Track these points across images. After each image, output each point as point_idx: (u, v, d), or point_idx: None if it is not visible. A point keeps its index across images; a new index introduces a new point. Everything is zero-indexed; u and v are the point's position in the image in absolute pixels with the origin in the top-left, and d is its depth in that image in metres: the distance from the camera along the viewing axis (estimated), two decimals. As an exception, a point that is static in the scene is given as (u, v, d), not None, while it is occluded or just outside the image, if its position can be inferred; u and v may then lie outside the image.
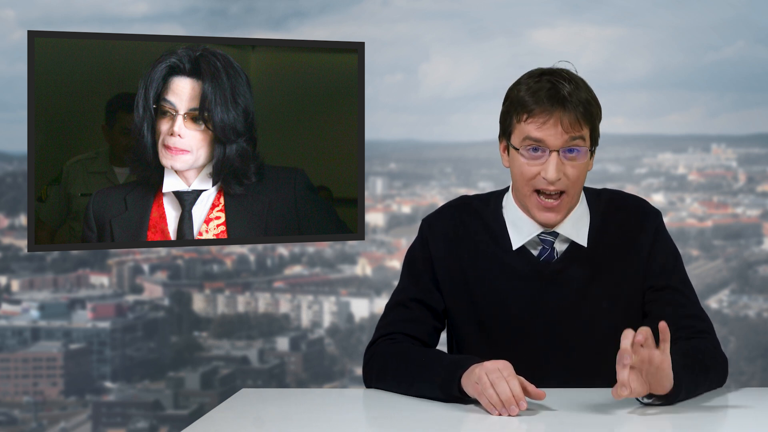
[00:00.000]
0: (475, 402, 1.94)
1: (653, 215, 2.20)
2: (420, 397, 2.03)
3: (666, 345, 1.86)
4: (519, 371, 1.93)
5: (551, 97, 2.05)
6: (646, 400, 1.93)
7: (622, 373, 1.83)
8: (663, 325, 1.85)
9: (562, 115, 2.05)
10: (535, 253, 2.16)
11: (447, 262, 2.19)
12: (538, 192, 2.09)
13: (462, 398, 1.96)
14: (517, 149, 2.09)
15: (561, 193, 2.09)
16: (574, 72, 2.12)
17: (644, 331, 1.84)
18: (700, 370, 1.99)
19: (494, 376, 1.89)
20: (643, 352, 1.85)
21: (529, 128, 2.06)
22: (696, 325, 2.12)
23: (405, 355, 2.11)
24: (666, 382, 1.88)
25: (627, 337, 1.83)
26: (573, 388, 2.07)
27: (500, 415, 1.87)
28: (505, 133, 2.12)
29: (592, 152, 2.12)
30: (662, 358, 1.86)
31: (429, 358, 2.07)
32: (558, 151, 2.06)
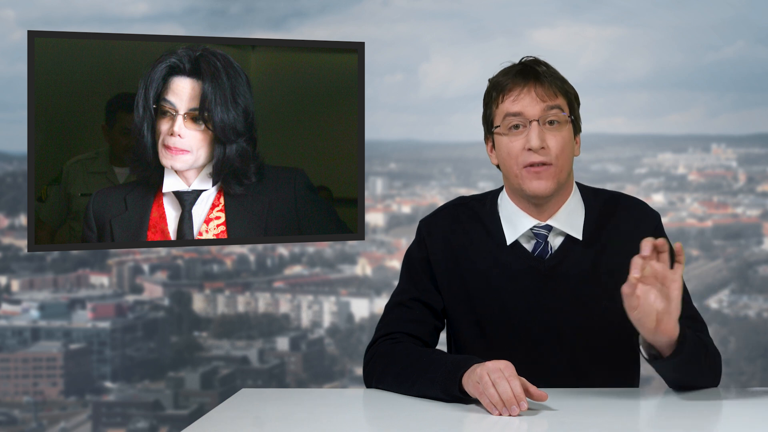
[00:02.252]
0: (476, 402, 1.94)
1: (652, 216, 2.21)
2: (421, 396, 2.03)
3: (680, 267, 1.89)
4: (518, 368, 1.94)
5: (523, 72, 2.12)
6: (653, 355, 1.95)
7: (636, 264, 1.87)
8: (678, 246, 1.88)
9: (536, 85, 2.11)
10: (529, 248, 2.16)
11: (444, 262, 2.20)
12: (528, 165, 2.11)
13: (463, 398, 1.96)
14: (498, 128, 2.13)
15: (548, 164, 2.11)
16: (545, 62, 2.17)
17: (662, 241, 1.88)
18: (701, 344, 2.01)
19: (496, 375, 1.89)
20: (656, 265, 1.88)
21: (506, 105, 2.11)
22: (692, 326, 2.12)
23: (406, 356, 2.11)
24: (674, 310, 1.90)
25: (648, 240, 1.88)
26: (573, 388, 2.07)
27: (500, 414, 1.87)
28: (489, 125, 2.16)
29: (576, 131, 2.14)
30: (674, 278, 1.89)
31: (430, 358, 2.07)
32: (538, 120, 2.08)
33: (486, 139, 2.19)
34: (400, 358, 2.11)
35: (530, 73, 2.11)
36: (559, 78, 2.13)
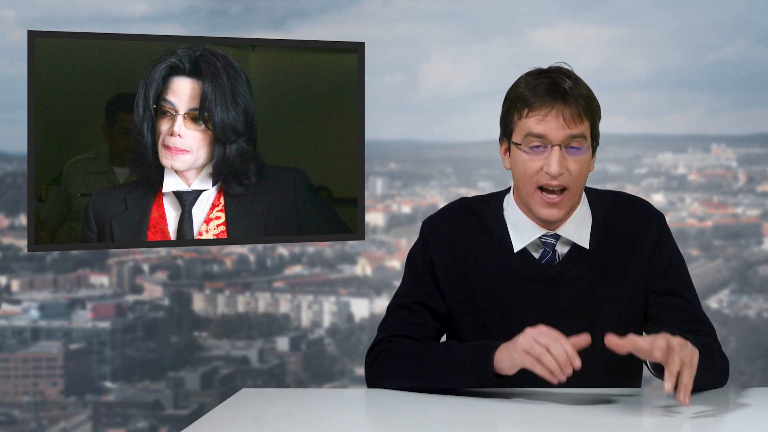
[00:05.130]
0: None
1: (657, 217, 2.20)
2: (443, 388, 2.03)
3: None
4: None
5: (551, 90, 2.06)
6: (657, 374, 1.96)
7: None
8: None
9: (563, 108, 2.05)
10: (536, 255, 2.16)
11: (448, 265, 2.19)
12: (541, 189, 2.09)
13: (496, 382, 1.98)
14: (519, 145, 2.09)
15: (563, 189, 2.09)
16: (572, 71, 2.12)
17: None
18: (710, 359, 2.01)
19: (545, 339, 1.90)
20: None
21: (531, 123, 2.06)
22: (700, 329, 2.12)
23: (418, 351, 2.09)
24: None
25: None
26: (573, 389, 2.07)
27: (558, 381, 1.88)
28: (507, 132, 2.12)
29: (594, 150, 2.12)
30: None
31: (448, 348, 2.07)
32: (560, 145, 2.06)
33: (501, 140, 2.16)
34: (412, 353, 2.09)
35: (558, 92, 2.05)
36: (585, 95, 2.08)
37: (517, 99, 2.09)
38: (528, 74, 2.11)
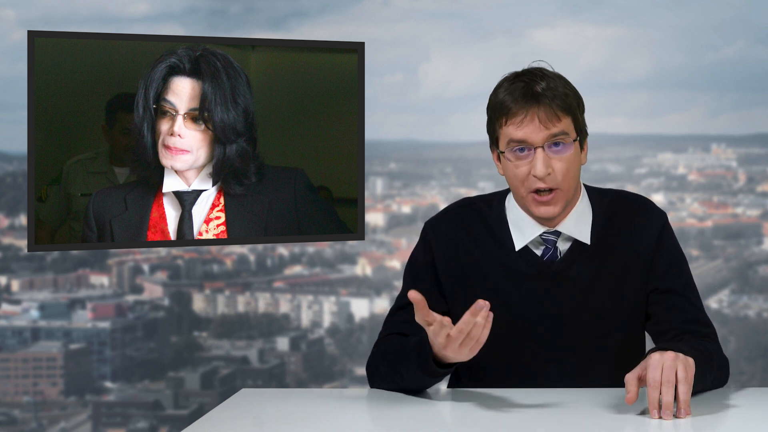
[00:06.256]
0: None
1: (659, 215, 2.20)
2: (413, 388, 2.04)
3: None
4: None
5: (525, 95, 2.06)
6: None
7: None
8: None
9: (538, 110, 2.06)
10: (538, 253, 2.16)
11: (450, 265, 2.19)
12: (535, 191, 2.10)
13: (446, 370, 1.98)
14: (504, 153, 2.10)
15: (553, 190, 2.09)
16: (550, 69, 2.12)
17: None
18: (707, 362, 2.00)
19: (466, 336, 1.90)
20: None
21: (510, 130, 2.08)
22: (700, 330, 2.12)
23: (388, 351, 2.11)
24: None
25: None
26: (574, 389, 2.07)
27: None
28: (493, 140, 2.14)
29: (582, 144, 2.13)
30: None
31: (406, 345, 2.07)
32: (542, 147, 2.06)
33: (491, 147, 2.17)
34: (386, 354, 2.11)
35: (531, 94, 2.06)
36: (561, 93, 2.07)
37: (495, 108, 2.11)
38: (504, 80, 2.12)
